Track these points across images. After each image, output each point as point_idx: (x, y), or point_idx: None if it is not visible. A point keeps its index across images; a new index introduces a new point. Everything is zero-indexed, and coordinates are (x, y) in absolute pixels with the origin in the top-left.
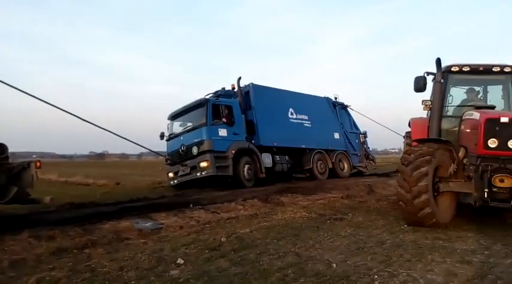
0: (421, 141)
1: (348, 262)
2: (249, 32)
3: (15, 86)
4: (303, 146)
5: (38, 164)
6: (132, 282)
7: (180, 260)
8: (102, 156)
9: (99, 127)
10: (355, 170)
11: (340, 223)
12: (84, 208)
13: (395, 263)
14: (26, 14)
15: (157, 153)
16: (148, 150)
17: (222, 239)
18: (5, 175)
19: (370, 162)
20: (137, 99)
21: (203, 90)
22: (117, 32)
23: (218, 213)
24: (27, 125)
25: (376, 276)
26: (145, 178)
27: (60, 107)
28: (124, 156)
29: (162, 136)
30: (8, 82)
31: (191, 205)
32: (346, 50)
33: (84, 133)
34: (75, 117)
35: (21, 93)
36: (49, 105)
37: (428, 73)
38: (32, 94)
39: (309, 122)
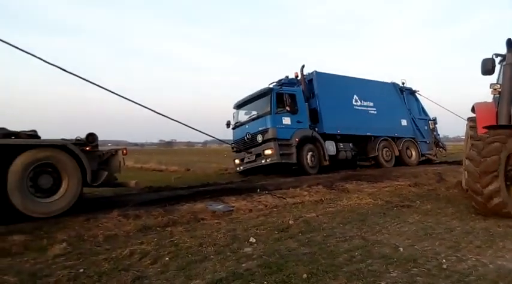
0: (491, 128)
1: (415, 246)
2: (306, 15)
3: (91, 80)
4: (368, 133)
5: (125, 151)
6: (211, 256)
7: (252, 239)
8: (170, 143)
9: (171, 118)
10: (423, 158)
11: (408, 210)
12: (161, 191)
13: (465, 249)
14: (97, 11)
15: (222, 141)
16: (213, 138)
17: (290, 222)
18: (97, 161)
19: (440, 149)
20: (199, 89)
21: (262, 79)
22: (176, 22)
23: (284, 198)
24: (101, 115)
25: (444, 260)
26: (211, 164)
27: (135, 101)
28: (190, 144)
29: (228, 124)
30: (87, 79)
31: (258, 190)
32: (409, 32)
33: (154, 122)
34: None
35: (96, 86)
36: (124, 98)
37: (497, 55)
38: (107, 88)
39: (374, 109)
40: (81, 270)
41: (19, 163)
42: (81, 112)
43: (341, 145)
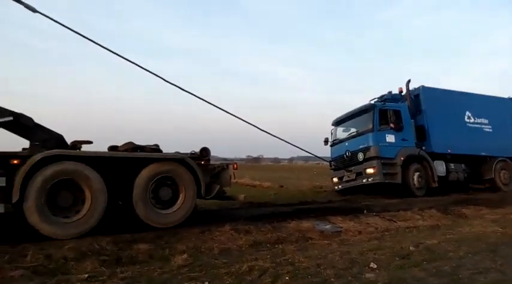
0: None
1: None
2: (402, 32)
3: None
4: (483, 153)
5: (235, 166)
6: (332, 279)
7: (372, 265)
8: (257, 159)
9: (271, 134)
10: None
11: None
12: (263, 207)
13: None
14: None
15: (321, 159)
16: (298, 155)
17: (411, 248)
18: (209, 174)
19: None
20: (287, 107)
21: (356, 96)
22: (261, 41)
23: (395, 221)
24: (189, 130)
25: None
26: (303, 182)
27: (239, 117)
28: (277, 160)
29: (326, 141)
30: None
31: (365, 211)
32: None
33: (242, 138)
34: (237, 123)
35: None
36: (228, 113)
37: None
38: (209, 101)
39: (490, 127)
40: (206, 283)
41: (144, 175)
42: (169, 125)
43: (452, 165)
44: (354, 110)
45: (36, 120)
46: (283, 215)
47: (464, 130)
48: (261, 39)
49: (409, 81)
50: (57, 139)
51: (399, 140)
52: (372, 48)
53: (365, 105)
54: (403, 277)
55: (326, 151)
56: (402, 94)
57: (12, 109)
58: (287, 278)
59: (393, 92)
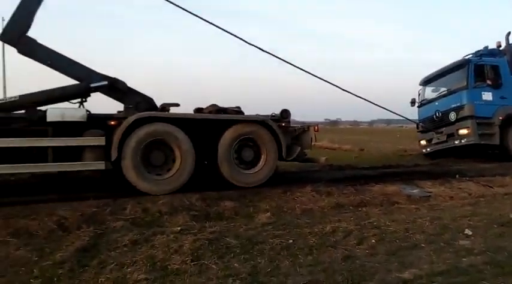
0: None
1: None
2: None
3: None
4: None
5: (316, 128)
6: (422, 245)
7: (467, 231)
8: (335, 122)
9: (356, 95)
10: None
11: None
12: (344, 170)
13: None
14: None
15: (411, 120)
16: (379, 118)
17: (511, 216)
18: (290, 136)
19: None
20: (363, 67)
21: (443, 55)
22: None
23: (491, 187)
24: (269, 94)
25: None
26: (385, 145)
27: (325, 79)
28: (355, 123)
29: (413, 102)
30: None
31: (457, 176)
32: None
33: (319, 101)
34: (314, 86)
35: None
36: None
37: None
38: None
39: None
40: (290, 241)
41: (227, 136)
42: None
43: None
44: (445, 67)
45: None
46: (367, 178)
47: None
48: None
49: (508, 34)
50: (148, 102)
51: (497, 98)
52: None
53: (458, 61)
54: (503, 246)
55: (410, 114)
56: (501, 48)
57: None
58: (373, 241)
59: (490, 47)
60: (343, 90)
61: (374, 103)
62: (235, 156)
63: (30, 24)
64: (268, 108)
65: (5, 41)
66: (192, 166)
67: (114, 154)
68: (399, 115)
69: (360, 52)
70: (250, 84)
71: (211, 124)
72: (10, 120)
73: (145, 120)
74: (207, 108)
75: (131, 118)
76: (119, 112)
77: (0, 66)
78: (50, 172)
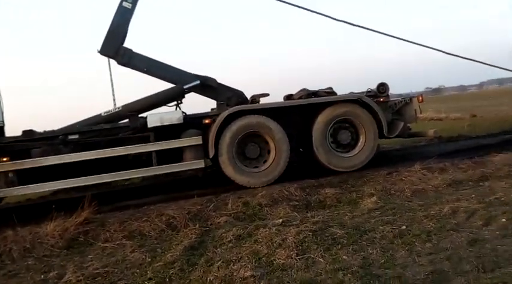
0: None
1: None
2: None
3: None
4: None
5: (421, 98)
6: None
7: None
8: (438, 90)
9: (458, 56)
10: None
11: None
12: (456, 142)
13: None
14: None
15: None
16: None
17: None
18: (390, 112)
19: None
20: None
21: None
22: None
23: None
24: (362, 64)
25: None
26: (501, 108)
27: (426, 45)
28: (462, 88)
29: None
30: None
31: None
32: None
33: (417, 70)
34: (408, 54)
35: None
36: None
37: None
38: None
39: None
40: (403, 227)
41: (321, 120)
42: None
43: None
44: None
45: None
46: (485, 148)
47: None
48: None
49: None
50: (239, 96)
51: None
52: None
53: None
54: None
55: None
56: None
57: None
58: (503, 220)
59: None
60: (447, 53)
61: (482, 62)
62: (331, 140)
63: (126, 35)
64: (365, 85)
65: (105, 55)
66: (287, 155)
67: (211, 152)
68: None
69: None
70: (344, 65)
71: (302, 110)
72: (117, 130)
73: (237, 114)
74: (297, 93)
75: (224, 114)
76: (212, 109)
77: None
78: (157, 175)
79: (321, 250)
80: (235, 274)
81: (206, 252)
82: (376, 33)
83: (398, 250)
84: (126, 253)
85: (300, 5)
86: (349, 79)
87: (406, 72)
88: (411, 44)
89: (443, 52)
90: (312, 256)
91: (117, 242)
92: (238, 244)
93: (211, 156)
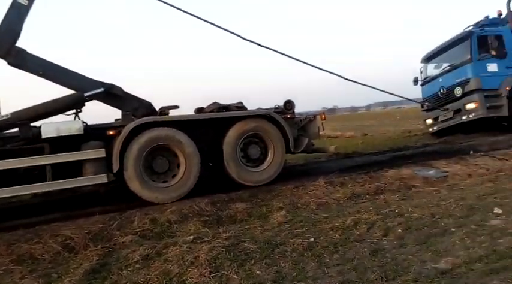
0: None
1: None
2: None
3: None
4: None
5: (323, 116)
6: (452, 229)
7: (497, 210)
8: (333, 110)
9: (354, 81)
10: None
11: None
12: (353, 158)
13: None
14: None
15: (412, 100)
16: (376, 101)
17: None
18: (296, 128)
19: None
20: (353, 52)
21: (437, 33)
22: None
23: (507, 160)
24: (260, 85)
25: None
26: (387, 128)
27: (318, 66)
28: (353, 108)
29: (416, 81)
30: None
31: (471, 152)
32: None
33: (314, 90)
34: (307, 75)
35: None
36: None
37: None
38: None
39: None
40: (312, 239)
41: (232, 135)
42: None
43: None
44: (447, 41)
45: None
46: (378, 163)
47: None
48: None
49: (509, 1)
50: (146, 107)
51: (503, 68)
52: None
53: (460, 34)
54: None
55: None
56: (502, 17)
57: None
58: (400, 230)
59: (490, 17)
60: (341, 77)
61: (373, 87)
62: (241, 155)
63: (19, 34)
64: (262, 103)
65: None
66: (198, 170)
67: (115, 166)
68: (399, 96)
69: (354, 36)
70: (243, 81)
71: (213, 124)
72: (4, 140)
73: (145, 126)
74: (208, 107)
75: (130, 126)
76: (116, 120)
77: None
78: (51, 191)
79: (234, 266)
80: None
81: (110, 275)
82: (278, 53)
83: (309, 263)
84: (15, 279)
85: (211, 22)
86: (254, 97)
87: (304, 92)
88: (309, 66)
89: (337, 75)
90: (226, 272)
91: (3, 267)
92: (146, 265)
93: (115, 170)
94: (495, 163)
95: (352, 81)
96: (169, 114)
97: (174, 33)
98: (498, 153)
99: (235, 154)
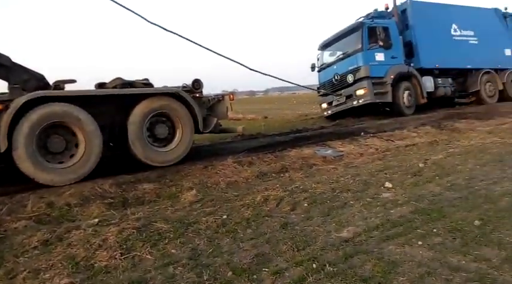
0: None
1: None
2: None
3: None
4: (469, 66)
5: (232, 97)
6: (351, 202)
7: (388, 184)
8: (232, 93)
9: (248, 67)
10: None
11: None
12: (257, 139)
13: None
14: None
15: (305, 87)
16: (273, 87)
17: (420, 165)
18: (205, 108)
19: None
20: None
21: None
22: None
23: (392, 141)
24: (158, 66)
25: None
26: (285, 111)
27: (213, 50)
28: (252, 92)
29: (313, 67)
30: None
31: (362, 133)
32: None
33: (213, 73)
34: (205, 57)
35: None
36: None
37: None
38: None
39: (475, 38)
40: (225, 217)
41: (137, 113)
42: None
43: (439, 80)
44: (341, 31)
45: None
46: (282, 144)
47: (451, 43)
48: None
49: None
50: (39, 80)
51: (388, 58)
52: None
53: (353, 24)
54: (421, 194)
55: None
56: (389, 10)
57: None
58: (306, 205)
59: (379, 9)
60: (242, 65)
61: (270, 75)
62: (148, 134)
63: None
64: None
65: None
66: (100, 150)
67: (3, 145)
68: (293, 83)
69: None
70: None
71: (117, 101)
72: None
73: (38, 101)
74: (110, 82)
75: (21, 100)
76: (2, 94)
77: None
78: None
79: (147, 247)
80: (47, 283)
81: (4, 263)
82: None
83: (223, 239)
84: None
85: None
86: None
87: (205, 76)
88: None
89: (235, 61)
90: (138, 253)
91: None
92: (46, 250)
93: (2, 150)
94: (382, 143)
95: (252, 69)
96: (65, 89)
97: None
98: (384, 134)
99: (141, 133)
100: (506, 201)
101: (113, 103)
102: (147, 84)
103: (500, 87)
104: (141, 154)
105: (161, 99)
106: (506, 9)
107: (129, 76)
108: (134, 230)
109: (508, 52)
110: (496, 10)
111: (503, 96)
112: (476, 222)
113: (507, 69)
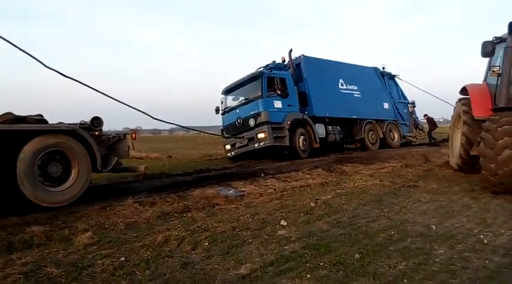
0: (497, 110)
1: (445, 224)
2: (277, 5)
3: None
4: (354, 116)
5: (134, 135)
6: (250, 240)
7: (283, 222)
8: (136, 131)
9: (134, 108)
10: (404, 140)
11: (415, 190)
12: (160, 178)
13: (494, 224)
14: None
15: (211, 134)
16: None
17: (312, 204)
18: (104, 146)
19: (419, 131)
20: (169, 78)
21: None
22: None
23: (289, 182)
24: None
25: (481, 236)
26: (190, 151)
27: (95, 88)
28: (156, 131)
29: (217, 110)
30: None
31: (262, 175)
32: (377, 21)
33: (116, 110)
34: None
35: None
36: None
37: (497, 38)
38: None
39: (359, 92)
40: (123, 258)
41: (28, 150)
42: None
43: (330, 128)
44: (244, 78)
45: None
46: (185, 184)
47: (339, 95)
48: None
49: (291, 51)
50: None
51: (285, 106)
52: (252, 21)
53: (253, 73)
54: (312, 231)
55: (213, 121)
56: (285, 63)
57: None
58: (206, 244)
59: (277, 62)
60: (140, 111)
61: (170, 123)
62: (39, 173)
63: None
64: (61, 119)
65: None
66: None
67: None
68: (197, 130)
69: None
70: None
71: (5, 137)
72: None
73: None
74: (0, 117)
75: None
76: None
77: None
78: None
79: None
80: None
81: None
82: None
83: (120, 281)
84: None
85: None
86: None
87: (105, 111)
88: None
89: (130, 106)
90: None
91: None
92: None
93: None
94: (280, 184)
95: (156, 119)
96: None
97: None
98: (282, 175)
99: (32, 172)
100: (382, 236)
101: (0, 139)
102: (40, 120)
103: (381, 135)
104: (30, 194)
105: (56, 136)
106: (383, 68)
107: (20, 112)
108: (21, 276)
109: (386, 105)
110: (376, 69)
111: (383, 143)
112: (357, 256)
113: (386, 120)
